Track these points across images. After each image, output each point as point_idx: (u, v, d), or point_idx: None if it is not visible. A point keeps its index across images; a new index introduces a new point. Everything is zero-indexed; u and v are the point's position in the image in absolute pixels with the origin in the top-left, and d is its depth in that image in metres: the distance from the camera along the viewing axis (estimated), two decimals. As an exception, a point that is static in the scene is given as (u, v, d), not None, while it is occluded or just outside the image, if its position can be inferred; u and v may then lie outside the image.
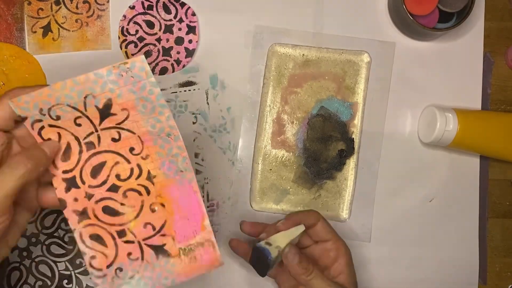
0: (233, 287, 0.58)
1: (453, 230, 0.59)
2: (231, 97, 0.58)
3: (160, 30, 0.57)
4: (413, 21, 0.54)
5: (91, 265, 0.41)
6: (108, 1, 0.58)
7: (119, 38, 0.57)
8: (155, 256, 0.42)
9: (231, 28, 0.58)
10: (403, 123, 0.59)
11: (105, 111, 0.39)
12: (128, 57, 0.57)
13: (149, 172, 0.41)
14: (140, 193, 0.42)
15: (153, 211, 0.42)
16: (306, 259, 0.47)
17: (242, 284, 0.58)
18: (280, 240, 0.47)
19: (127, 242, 0.41)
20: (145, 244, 0.42)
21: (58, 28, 0.57)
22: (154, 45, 0.57)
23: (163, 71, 0.58)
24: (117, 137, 0.40)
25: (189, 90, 0.58)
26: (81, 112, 0.39)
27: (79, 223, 0.41)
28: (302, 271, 0.46)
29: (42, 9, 0.57)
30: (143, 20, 0.57)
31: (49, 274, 0.56)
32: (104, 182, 0.41)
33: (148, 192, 0.42)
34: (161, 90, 0.57)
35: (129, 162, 0.41)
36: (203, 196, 0.58)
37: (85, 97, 0.38)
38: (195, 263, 0.42)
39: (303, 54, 0.58)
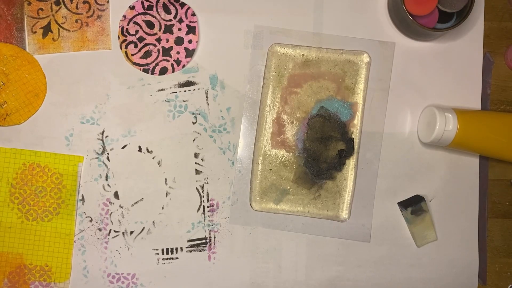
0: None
1: (453, 230, 0.59)
2: (231, 97, 0.58)
3: (160, 30, 0.57)
4: (413, 21, 0.54)
5: None
6: (108, 1, 0.58)
7: (119, 38, 0.58)
8: None
9: (231, 28, 0.58)
10: (402, 123, 0.59)
11: None
12: (128, 57, 0.57)
13: None
14: None
15: None
16: None
17: (241, 285, 0.58)
18: None
19: None
20: None
21: (58, 28, 0.57)
22: (154, 45, 0.57)
23: (163, 71, 0.58)
24: None
25: (189, 90, 0.58)
26: None
27: None
28: None
29: (42, 9, 0.57)
30: (143, 20, 0.57)
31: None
32: None
33: None
34: (161, 90, 0.58)
35: None
36: (203, 196, 0.58)
37: None
38: None
39: (303, 54, 0.58)
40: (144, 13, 0.57)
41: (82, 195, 0.58)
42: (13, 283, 0.57)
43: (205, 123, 0.58)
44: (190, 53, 0.58)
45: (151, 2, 0.57)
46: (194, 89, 0.58)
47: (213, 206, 0.58)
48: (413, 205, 0.57)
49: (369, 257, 0.59)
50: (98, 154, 0.58)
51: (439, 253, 0.59)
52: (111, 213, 0.58)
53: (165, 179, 0.58)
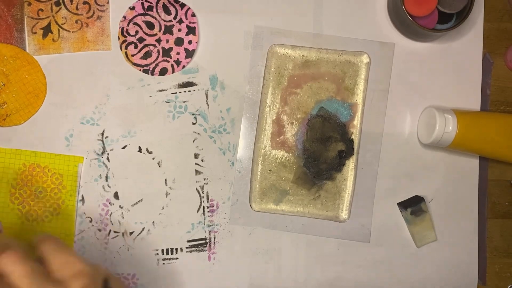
0: None
1: (453, 230, 0.59)
2: (230, 97, 0.58)
3: (160, 31, 0.58)
4: (413, 22, 0.54)
5: None
6: (108, 2, 0.58)
7: (119, 39, 0.58)
8: None
9: (231, 29, 0.58)
10: (402, 124, 0.59)
11: None
12: (128, 58, 0.57)
13: None
14: None
15: None
16: None
17: (241, 286, 0.58)
18: None
19: None
20: None
21: (58, 29, 0.57)
22: (154, 46, 0.58)
23: (163, 71, 0.58)
24: None
25: (189, 91, 0.58)
26: None
27: None
28: None
29: (42, 10, 0.57)
30: (143, 21, 0.58)
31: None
32: None
33: None
34: (161, 90, 0.58)
35: None
36: (202, 197, 0.58)
37: None
38: None
39: (302, 55, 0.58)
40: (144, 14, 0.57)
41: (82, 195, 0.58)
42: (13, 284, 0.57)
43: (205, 123, 0.58)
44: (190, 54, 0.58)
45: (151, 3, 0.57)
46: (194, 90, 0.58)
47: (213, 206, 0.58)
48: (413, 206, 0.58)
49: (369, 258, 0.59)
50: (98, 154, 0.58)
51: (439, 253, 0.59)
52: (111, 214, 0.58)
53: (165, 179, 0.58)
